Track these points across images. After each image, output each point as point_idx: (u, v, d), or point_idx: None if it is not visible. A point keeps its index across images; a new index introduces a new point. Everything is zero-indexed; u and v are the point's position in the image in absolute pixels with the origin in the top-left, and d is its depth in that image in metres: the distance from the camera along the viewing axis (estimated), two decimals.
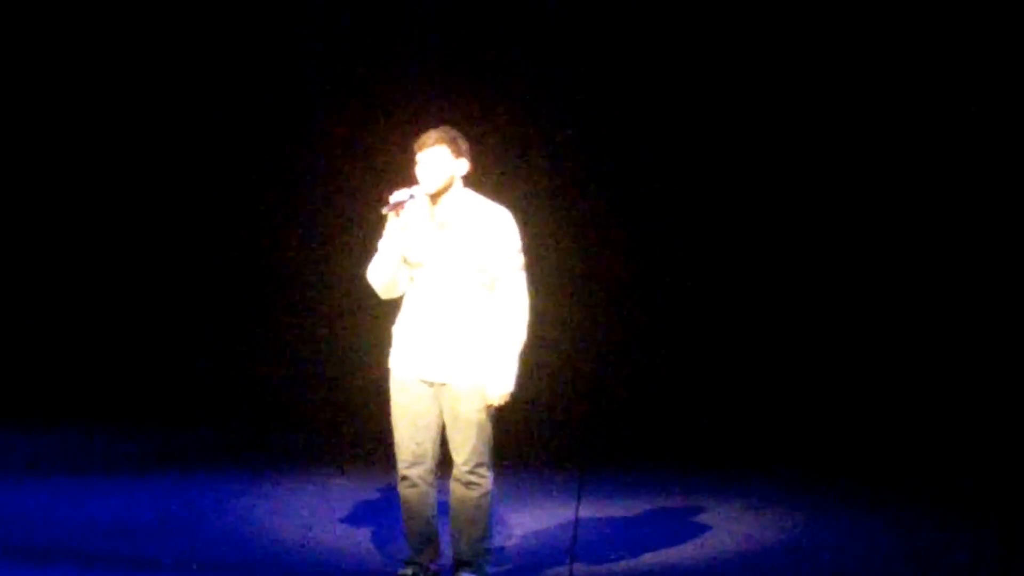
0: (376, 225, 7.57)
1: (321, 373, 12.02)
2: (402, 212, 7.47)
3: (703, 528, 9.09)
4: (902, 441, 11.11)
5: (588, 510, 9.28)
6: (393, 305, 7.69)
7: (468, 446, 7.50)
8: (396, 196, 7.48)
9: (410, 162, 7.50)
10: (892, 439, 11.15)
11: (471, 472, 7.51)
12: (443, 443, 7.61)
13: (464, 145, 7.51)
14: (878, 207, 11.61)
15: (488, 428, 7.54)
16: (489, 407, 7.51)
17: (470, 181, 7.58)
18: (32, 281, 12.57)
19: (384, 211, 7.47)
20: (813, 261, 11.74)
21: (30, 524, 8.87)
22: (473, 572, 7.58)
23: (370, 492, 9.68)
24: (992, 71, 11.27)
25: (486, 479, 7.55)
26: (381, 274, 7.57)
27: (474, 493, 7.52)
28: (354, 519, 9.17)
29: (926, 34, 11.36)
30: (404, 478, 7.59)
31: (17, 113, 12.42)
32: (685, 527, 9.10)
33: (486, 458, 7.54)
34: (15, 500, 9.42)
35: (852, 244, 11.68)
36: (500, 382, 7.47)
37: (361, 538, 8.76)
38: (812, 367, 11.63)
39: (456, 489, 7.55)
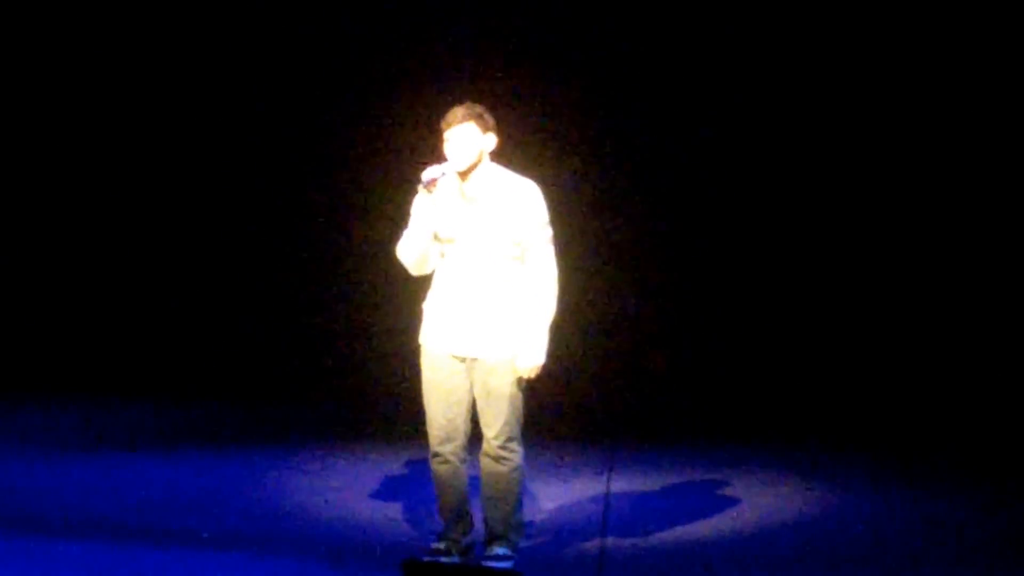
0: (406, 202, 7.60)
1: (354, 349, 12.07)
2: (434, 188, 7.50)
3: (735, 501, 9.11)
4: (932, 413, 11.11)
5: (619, 484, 9.30)
6: (423, 281, 7.72)
7: (499, 421, 7.53)
8: (429, 173, 7.49)
9: (438, 139, 7.53)
10: (922, 411, 11.15)
11: (502, 447, 7.55)
12: (474, 418, 7.64)
13: (491, 120, 7.51)
14: (910, 186, 11.60)
15: (519, 402, 7.57)
16: (520, 380, 7.54)
17: (498, 155, 7.61)
18: (69, 258, 12.67)
19: (419, 188, 7.50)
20: (840, 239, 11.73)
21: (67, 499, 8.94)
22: (505, 546, 7.61)
23: (403, 467, 9.72)
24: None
25: (517, 453, 7.58)
26: (412, 250, 7.58)
27: (505, 468, 7.56)
28: (387, 493, 9.21)
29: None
30: (436, 454, 7.63)
31: (68, 99, 12.61)
32: (716, 500, 9.12)
33: (517, 432, 7.57)
34: (51, 476, 9.49)
35: (880, 223, 11.67)
36: (531, 354, 7.50)
37: (394, 512, 8.80)
38: (842, 340, 11.63)
39: (487, 464, 7.59)
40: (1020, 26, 11.15)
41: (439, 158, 7.51)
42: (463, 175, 7.51)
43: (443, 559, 7.62)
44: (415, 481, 9.29)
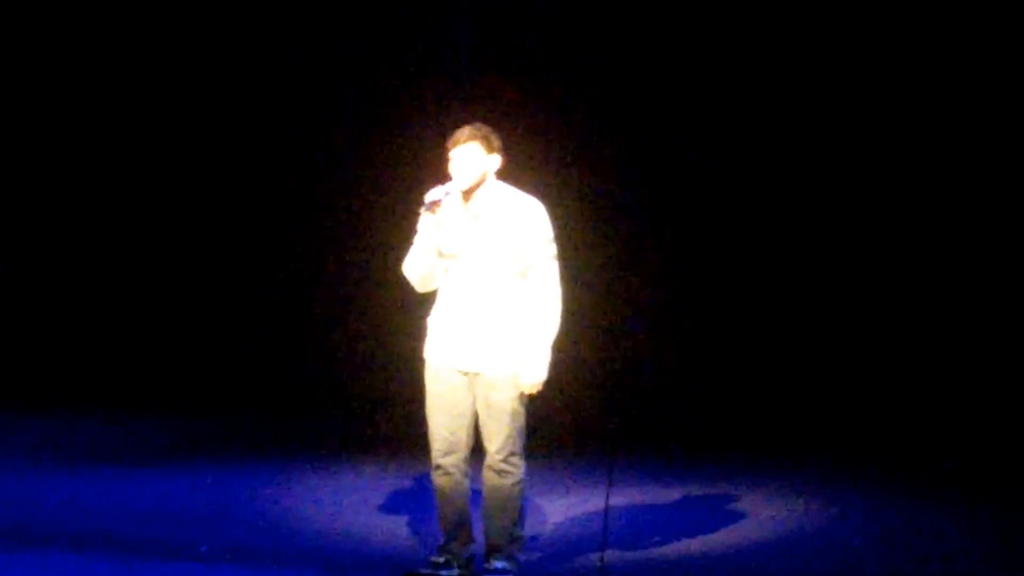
0: (412, 219, 7.64)
1: (356, 363, 12.08)
2: (438, 209, 7.54)
3: (734, 515, 9.13)
4: (934, 427, 11.11)
5: (619, 497, 9.28)
6: (428, 297, 7.75)
7: (501, 435, 7.57)
8: (432, 194, 7.55)
9: (444, 158, 7.57)
10: (923, 425, 11.15)
11: (504, 461, 7.58)
12: (476, 432, 7.67)
13: (496, 141, 7.58)
14: (916, 196, 11.60)
15: (521, 417, 7.61)
16: (522, 395, 7.58)
17: (503, 174, 7.64)
18: (77, 272, 12.70)
19: (422, 210, 7.55)
20: (845, 249, 11.73)
21: (68, 512, 8.96)
22: (505, 559, 7.64)
23: (404, 479, 9.74)
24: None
25: (519, 467, 7.62)
26: (417, 267, 7.64)
27: (507, 481, 7.60)
28: (388, 506, 9.24)
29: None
30: (438, 467, 7.66)
31: (66, 107, 12.66)
32: (716, 513, 9.14)
33: (519, 447, 7.62)
34: (53, 489, 9.51)
35: (887, 233, 11.67)
36: (533, 370, 7.55)
37: (394, 525, 8.83)
38: (843, 354, 11.64)
39: (489, 477, 7.62)
40: (1020, 26, 11.15)
41: (445, 176, 7.54)
42: (467, 194, 7.57)
43: (443, 571, 7.65)
44: (416, 493, 9.31)
